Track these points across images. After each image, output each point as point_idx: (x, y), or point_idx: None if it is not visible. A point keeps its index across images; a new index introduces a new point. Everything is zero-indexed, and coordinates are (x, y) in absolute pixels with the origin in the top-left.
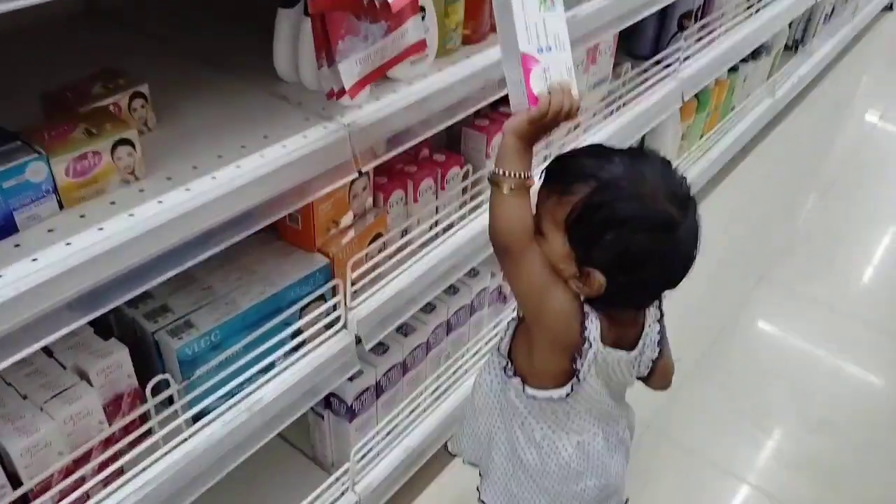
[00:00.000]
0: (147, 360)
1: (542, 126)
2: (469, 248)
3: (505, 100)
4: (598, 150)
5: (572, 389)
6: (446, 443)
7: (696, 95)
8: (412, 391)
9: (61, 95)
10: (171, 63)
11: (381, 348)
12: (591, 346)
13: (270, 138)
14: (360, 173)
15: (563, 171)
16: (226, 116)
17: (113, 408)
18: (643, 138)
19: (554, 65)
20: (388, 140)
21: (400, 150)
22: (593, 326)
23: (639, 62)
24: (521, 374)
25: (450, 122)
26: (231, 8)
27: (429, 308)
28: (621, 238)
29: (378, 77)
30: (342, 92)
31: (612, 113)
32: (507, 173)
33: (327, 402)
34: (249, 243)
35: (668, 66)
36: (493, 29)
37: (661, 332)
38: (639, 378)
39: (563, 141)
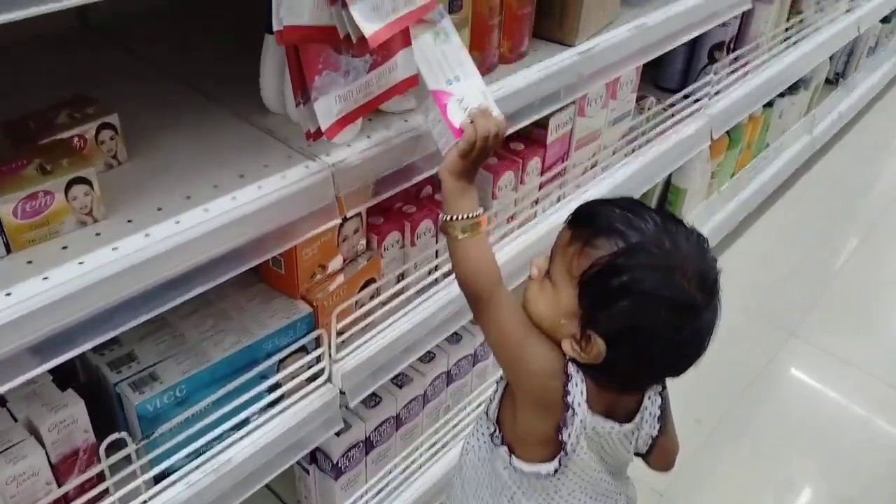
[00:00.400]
0: (111, 412)
1: (474, 157)
2: None
3: (516, 137)
4: (632, 206)
5: (560, 464)
6: None
7: (728, 132)
8: (406, 446)
9: (23, 124)
10: (156, 88)
11: (372, 400)
12: (574, 413)
13: (247, 177)
14: (346, 218)
15: (592, 219)
16: (204, 150)
17: (67, 464)
18: (669, 177)
19: (468, 93)
20: (378, 181)
21: (393, 192)
22: (577, 391)
23: (666, 95)
24: (509, 443)
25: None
26: (232, 30)
27: (428, 357)
28: (637, 310)
29: (362, 115)
30: (319, 133)
31: (633, 150)
32: (454, 217)
33: (313, 456)
34: (229, 286)
35: (696, 100)
36: (502, 60)
37: (664, 407)
38: (637, 455)
39: (579, 181)
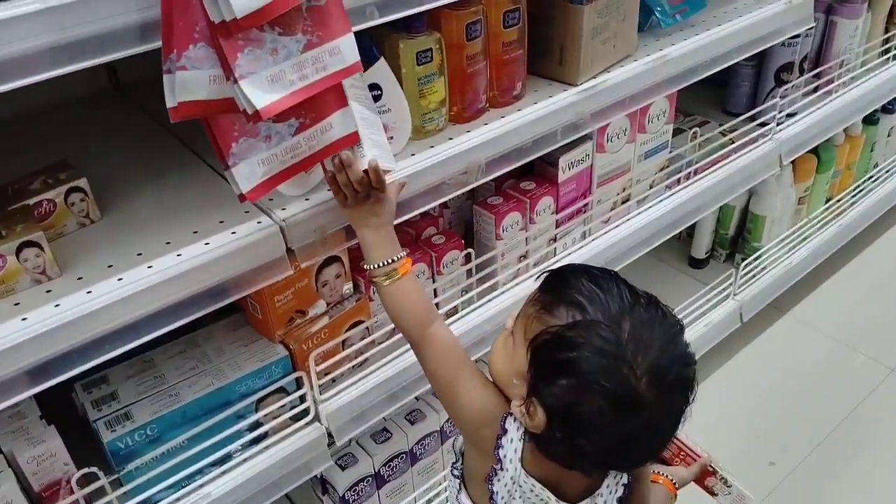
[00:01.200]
0: (98, 444)
1: (355, 205)
2: (477, 334)
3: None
4: (608, 281)
5: None
6: None
7: (817, 154)
8: (426, 481)
9: (3, 190)
10: (155, 146)
11: (382, 436)
12: (504, 468)
13: (200, 233)
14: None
15: (558, 285)
16: (173, 207)
17: (51, 493)
18: (748, 202)
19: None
20: (337, 232)
21: (349, 243)
22: (511, 448)
23: (731, 120)
24: (464, 477)
25: (420, 211)
26: None
27: None
28: (573, 390)
29: (294, 175)
30: (243, 196)
31: (678, 182)
32: (374, 266)
33: (324, 487)
34: (218, 329)
35: (762, 124)
36: (494, 104)
37: (625, 500)
38: None
39: (609, 216)
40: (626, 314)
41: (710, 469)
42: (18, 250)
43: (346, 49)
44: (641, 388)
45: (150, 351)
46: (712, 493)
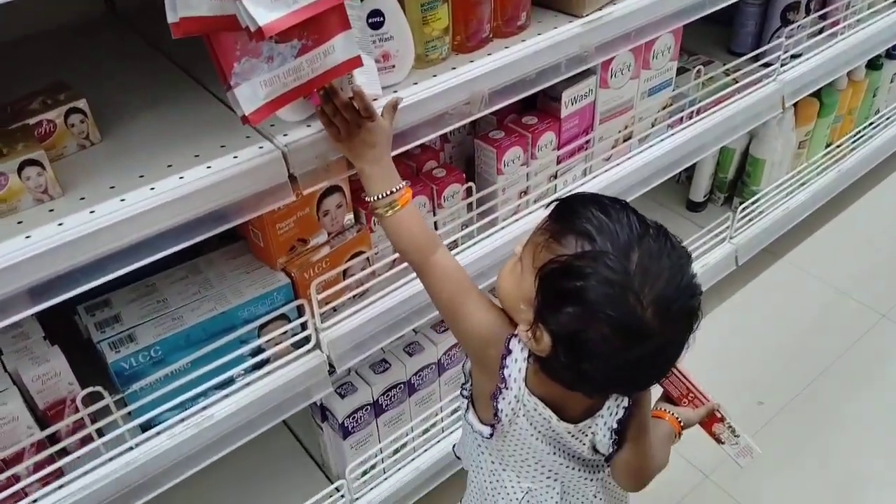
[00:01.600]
0: (103, 366)
1: (349, 137)
2: (479, 266)
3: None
4: (618, 212)
5: (495, 430)
6: (453, 447)
7: (819, 97)
8: (423, 411)
9: (2, 110)
10: (152, 71)
11: (381, 366)
12: (508, 387)
13: (201, 157)
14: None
15: (568, 214)
16: (172, 131)
17: (56, 411)
18: (748, 144)
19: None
20: (339, 160)
21: (355, 171)
22: (515, 367)
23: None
24: (472, 397)
25: (422, 141)
26: None
27: (443, 327)
28: (579, 318)
29: (296, 98)
30: (245, 118)
31: (681, 121)
32: (375, 197)
33: (324, 415)
34: (219, 256)
35: (765, 65)
36: (498, 34)
37: (624, 422)
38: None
39: (610, 154)
40: (634, 244)
41: (718, 415)
42: (20, 168)
43: None
44: (647, 317)
45: (151, 276)
46: (719, 441)
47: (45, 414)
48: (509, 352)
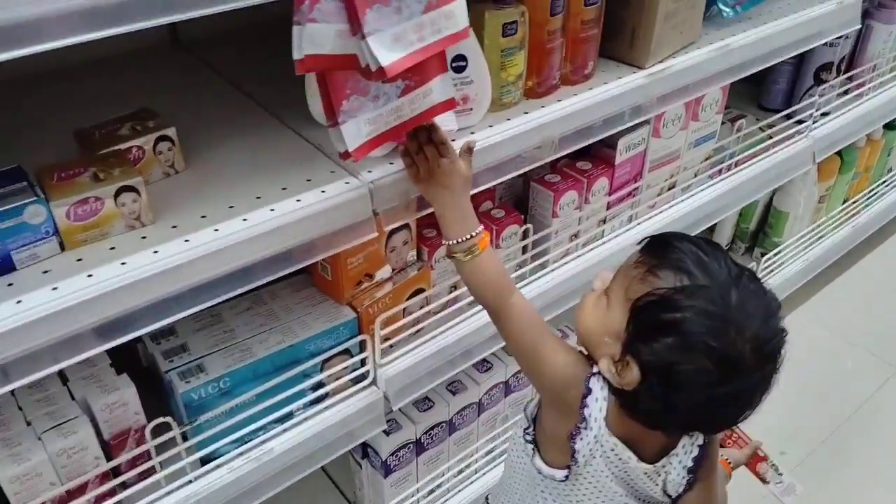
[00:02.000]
0: (165, 397)
1: (429, 177)
2: None
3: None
4: (713, 250)
5: (570, 472)
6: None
7: (840, 155)
8: (461, 451)
9: (90, 134)
10: (225, 102)
11: (424, 404)
12: (589, 426)
13: (289, 190)
14: (394, 230)
15: (665, 249)
16: (255, 162)
17: (119, 442)
18: (772, 197)
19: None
20: (418, 198)
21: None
22: (596, 406)
23: (767, 116)
24: (538, 442)
25: (493, 183)
26: None
27: (484, 366)
28: (679, 351)
29: (394, 138)
30: (348, 154)
31: (720, 173)
32: (453, 241)
33: (365, 451)
34: (282, 288)
35: (799, 122)
36: (566, 81)
37: (699, 460)
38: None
39: (654, 202)
40: (732, 283)
41: (761, 454)
42: (117, 194)
43: (458, 13)
44: (746, 353)
45: (215, 305)
46: (763, 480)
47: (109, 444)
48: (589, 391)
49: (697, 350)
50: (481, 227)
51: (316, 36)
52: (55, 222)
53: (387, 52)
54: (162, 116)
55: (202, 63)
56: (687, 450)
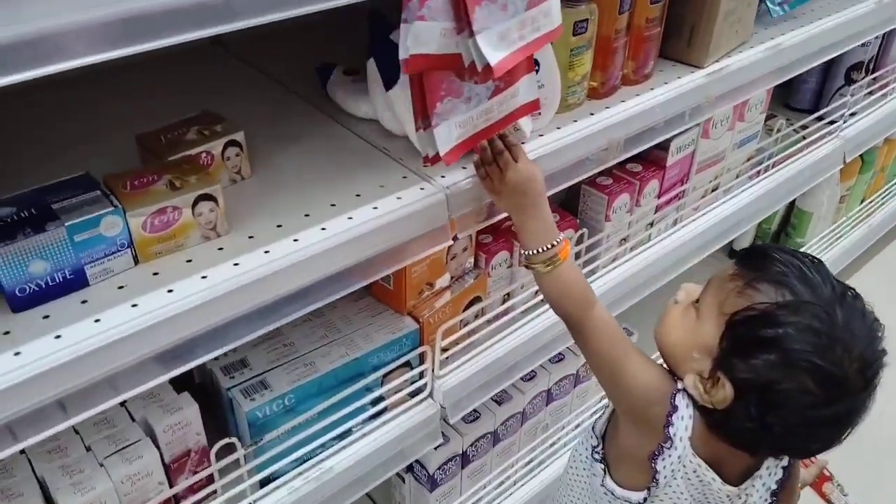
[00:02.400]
0: (223, 413)
1: (503, 186)
2: None
3: (634, 158)
4: (815, 265)
5: (649, 494)
6: None
7: (861, 155)
8: (502, 462)
9: (156, 139)
10: (281, 105)
11: (471, 416)
12: (673, 445)
13: (363, 197)
14: (455, 238)
15: (766, 262)
16: (323, 167)
17: (179, 464)
18: (793, 200)
19: None
20: (489, 204)
21: (503, 215)
22: (682, 425)
23: (796, 116)
24: (608, 461)
25: (563, 186)
26: (357, 49)
27: (528, 375)
28: (780, 368)
29: (481, 141)
30: (437, 157)
31: (759, 174)
32: (532, 252)
33: (409, 465)
34: (339, 298)
35: (831, 122)
36: (625, 81)
37: (783, 482)
38: None
39: (697, 204)
40: (836, 300)
41: (827, 473)
42: (195, 203)
43: (554, 10)
44: (851, 374)
45: None
46: (829, 501)
47: (169, 467)
48: (675, 409)
49: (800, 368)
50: (562, 236)
51: (422, 34)
52: (130, 234)
53: (493, 50)
54: (226, 120)
55: (243, 62)
56: (771, 471)
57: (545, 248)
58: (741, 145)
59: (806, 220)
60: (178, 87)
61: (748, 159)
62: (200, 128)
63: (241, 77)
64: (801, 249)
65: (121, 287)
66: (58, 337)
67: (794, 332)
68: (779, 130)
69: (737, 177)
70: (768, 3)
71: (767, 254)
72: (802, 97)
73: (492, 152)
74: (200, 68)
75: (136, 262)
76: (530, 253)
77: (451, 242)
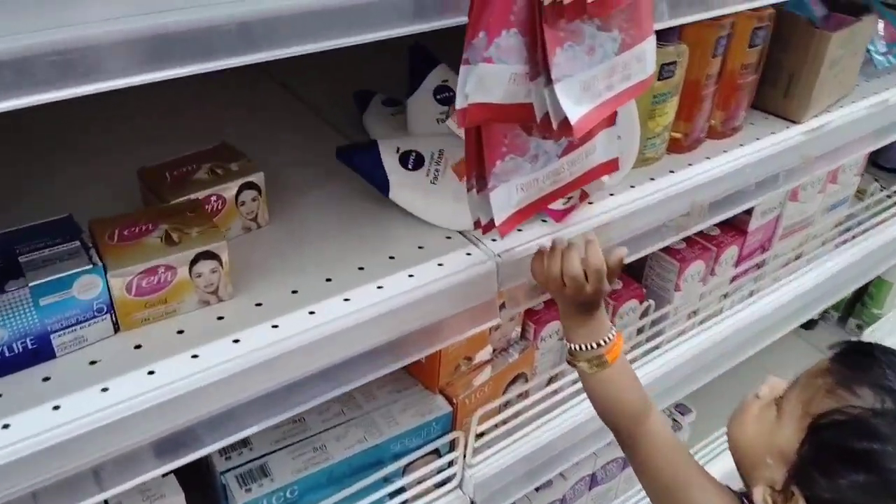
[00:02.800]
0: (214, 495)
1: (551, 282)
2: None
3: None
4: None
5: None
6: None
7: None
8: None
9: (160, 175)
10: (310, 137)
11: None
12: None
13: (397, 260)
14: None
15: (864, 359)
16: (353, 219)
17: None
18: None
19: None
20: None
21: None
22: None
23: (883, 175)
24: None
25: (635, 257)
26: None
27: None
28: (871, 492)
29: (544, 208)
30: (490, 225)
31: (845, 241)
32: (576, 347)
33: None
34: None
35: None
36: (711, 134)
37: None
38: None
39: (777, 272)
40: None
41: None
42: (193, 262)
43: (649, 55)
44: None
45: None
46: None
47: None
48: None
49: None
50: (614, 331)
51: (487, 80)
52: (111, 297)
53: (574, 104)
54: (245, 157)
55: (278, 85)
56: None
57: (593, 346)
58: (831, 209)
59: (885, 289)
60: (205, 110)
61: (837, 225)
62: (214, 164)
63: (275, 103)
64: (878, 321)
65: (93, 363)
66: (5, 427)
67: (893, 450)
68: (872, 194)
69: (822, 244)
70: (872, 53)
71: (869, 351)
72: (892, 155)
73: (591, 266)
74: (233, 89)
75: (117, 329)
76: (574, 348)
77: (499, 321)
